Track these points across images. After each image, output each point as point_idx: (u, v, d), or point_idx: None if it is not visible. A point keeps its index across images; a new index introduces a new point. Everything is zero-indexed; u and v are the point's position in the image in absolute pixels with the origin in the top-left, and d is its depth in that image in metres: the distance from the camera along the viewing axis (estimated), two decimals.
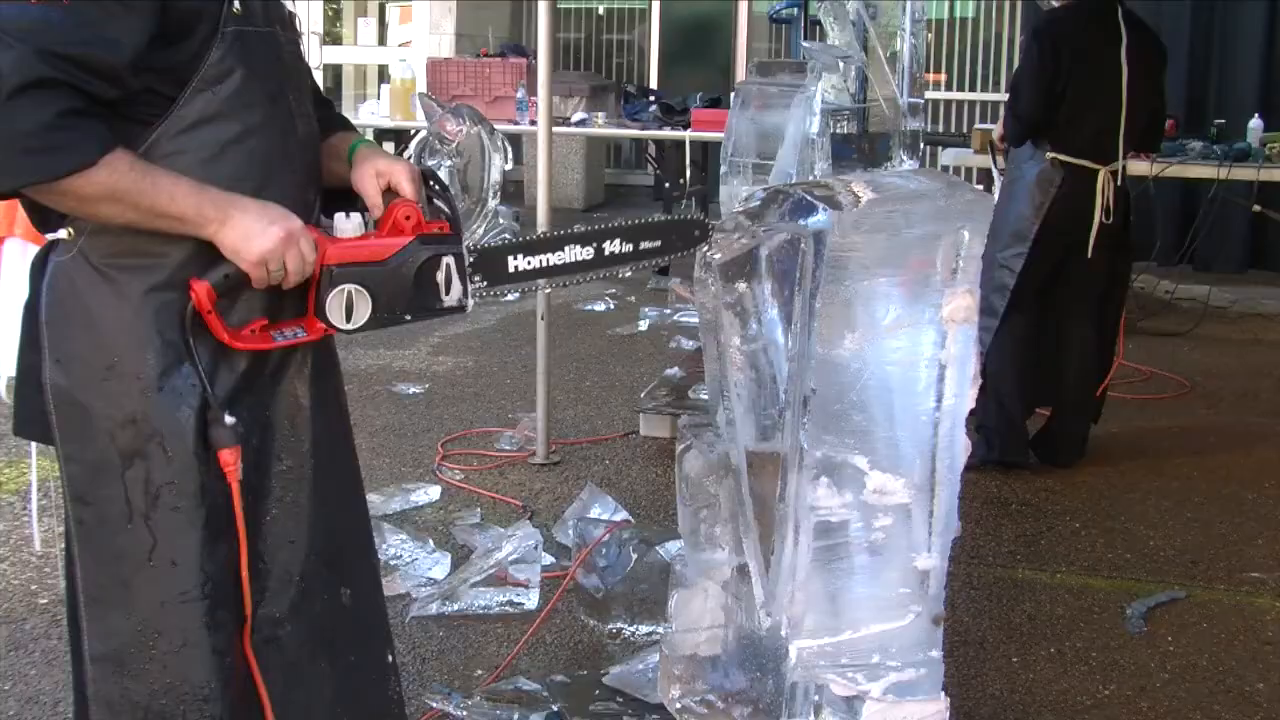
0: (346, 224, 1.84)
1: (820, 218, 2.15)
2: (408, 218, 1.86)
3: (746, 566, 2.44)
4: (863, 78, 5.72)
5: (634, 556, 3.28)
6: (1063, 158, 4.43)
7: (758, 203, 2.35)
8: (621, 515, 3.76)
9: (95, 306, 1.76)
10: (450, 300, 1.89)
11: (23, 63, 1.57)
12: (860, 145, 5.42)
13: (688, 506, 2.53)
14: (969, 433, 2.30)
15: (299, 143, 1.87)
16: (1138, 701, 2.99)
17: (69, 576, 1.89)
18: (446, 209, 1.91)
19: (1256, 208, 7.07)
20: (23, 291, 5.12)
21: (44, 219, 1.80)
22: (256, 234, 1.73)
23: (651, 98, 8.89)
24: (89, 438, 1.78)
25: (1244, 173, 6.57)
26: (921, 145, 5.79)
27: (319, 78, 11.53)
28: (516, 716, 2.78)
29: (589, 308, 7.11)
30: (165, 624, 1.80)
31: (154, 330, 1.75)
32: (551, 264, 2.03)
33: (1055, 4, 4.63)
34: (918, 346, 2.22)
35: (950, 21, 10.67)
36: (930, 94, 9.61)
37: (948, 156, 7.27)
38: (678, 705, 2.58)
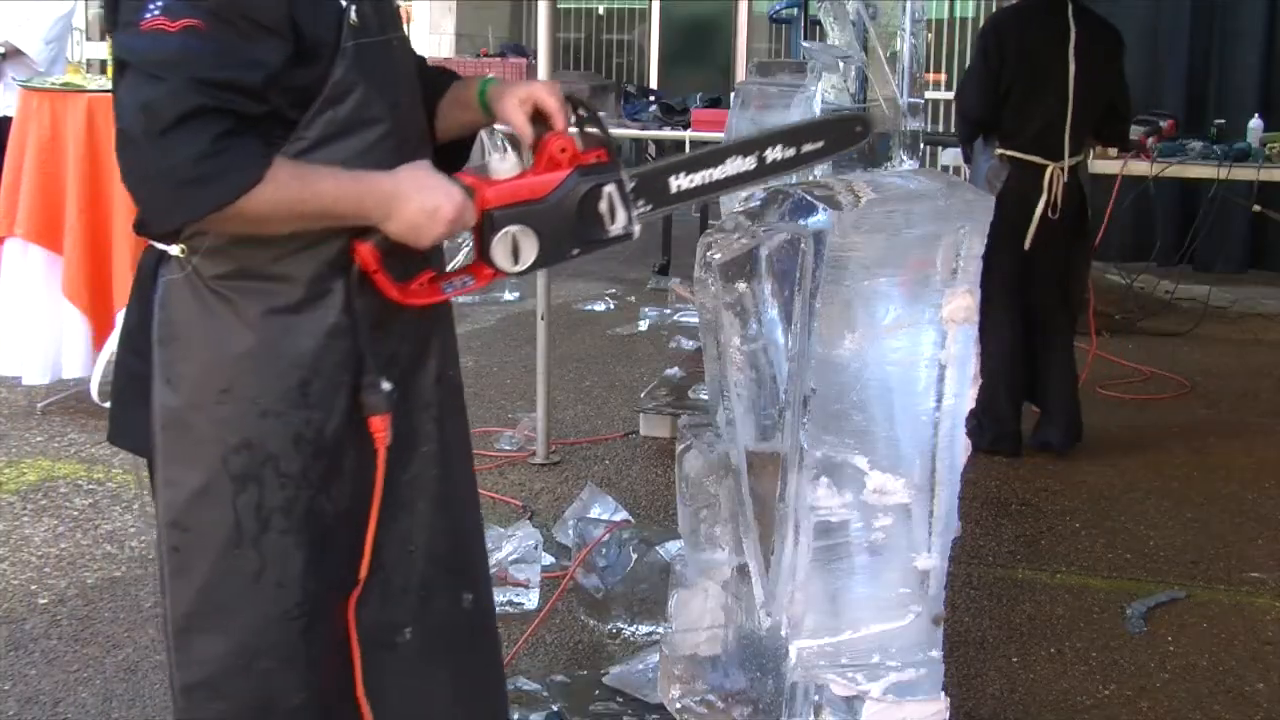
0: (502, 164, 1.80)
1: (820, 218, 2.15)
2: (563, 150, 1.80)
3: (746, 566, 2.44)
4: (863, 78, 5.71)
5: (634, 556, 3.28)
6: (1010, 154, 4.54)
7: (758, 203, 2.35)
8: (621, 515, 3.76)
9: (211, 329, 1.71)
10: (616, 229, 1.83)
11: (176, 95, 1.55)
12: (860, 145, 5.41)
13: (688, 506, 2.54)
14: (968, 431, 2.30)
15: (412, 152, 1.82)
16: (1138, 701, 2.99)
17: (162, 606, 1.84)
18: (601, 135, 1.84)
19: (1256, 208, 7.06)
20: (22, 292, 5.10)
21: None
22: (425, 226, 1.70)
23: (651, 98, 8.89)
24: (196, 461, 1.73)
25: (1244, 173, 6.57)
26: (921, 145, 5.78)
27: None
28: (516, 716, 2.78)
29: (589, 308, 7.11)
30: (266, 642, 1.78)
31: (274, 353, 1.71)
32: (714, 179, 1.94)
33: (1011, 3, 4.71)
34: (918, 346, 2.22)
35: (950, 21, 10.67)
36: (930, 94, 9.60)
37: (948, 156, 7.27)
38: (678, 705, 2.58)
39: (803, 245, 2.19)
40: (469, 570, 2.01)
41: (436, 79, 1.98)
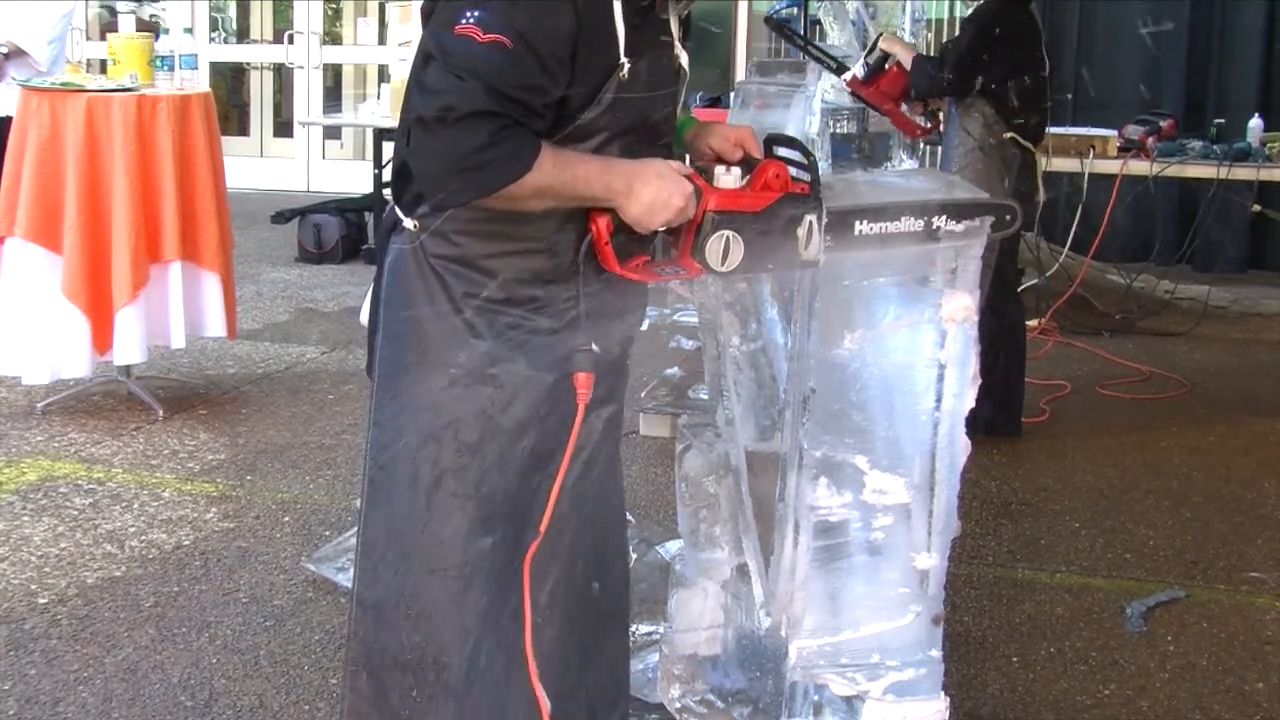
0: (727, 177, 1.98)
1: None
2: (777, 176, 1.99)
3: (746, 566, 2.44)
4: None
5: (634, 556, 3.28)
6: (1021, 140, 4.63)
7: None
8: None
9: (421, 298, 1.93)
10: (809, 255, 2.01)
11: (472, 95, 1.75)
12: (860, 145, 5.41)
13: (688, 506, 2.53)
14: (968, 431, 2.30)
15: None
16: (1138, 701, 2.99)
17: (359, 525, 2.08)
18: (808, 175, 2.02)
19: (1256, 208, 7.06)
20: (22, 292, 5.09)
21: (400, 195, 1.96)
22: (659, 207, 1.88)
23: None
24: (396, 410, 1.97)
25: (1244, 173, 6.56)
26: (921, 145, 5.78)
27: (318, 78, 11.35)
28: None
29: None
30: (422, 590, 1.98)
31: (469, 333, 1.92)
32: (889, 232, 2.10)
33: None
34: (917, 346, 2.22)
35: (950, 21, 10.65)
36: None
37: None
38: (678, 705, 2.58)
39: None
40: (601, 559, 2.17)
41: None
